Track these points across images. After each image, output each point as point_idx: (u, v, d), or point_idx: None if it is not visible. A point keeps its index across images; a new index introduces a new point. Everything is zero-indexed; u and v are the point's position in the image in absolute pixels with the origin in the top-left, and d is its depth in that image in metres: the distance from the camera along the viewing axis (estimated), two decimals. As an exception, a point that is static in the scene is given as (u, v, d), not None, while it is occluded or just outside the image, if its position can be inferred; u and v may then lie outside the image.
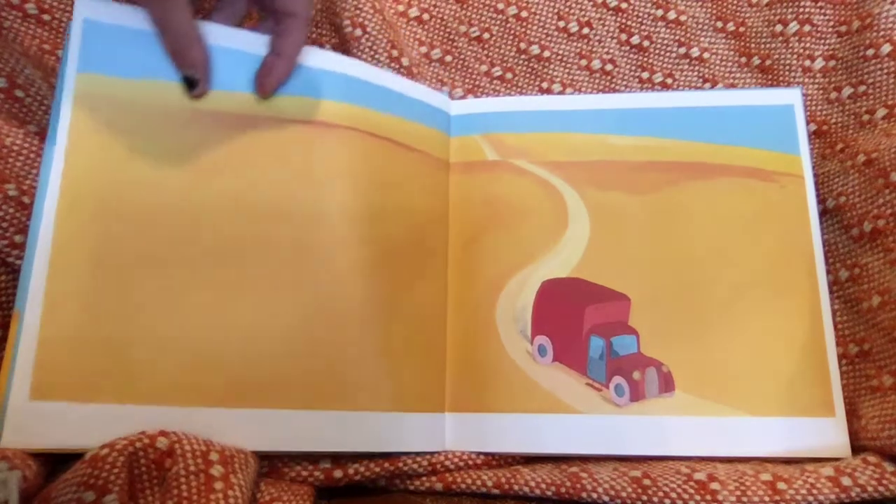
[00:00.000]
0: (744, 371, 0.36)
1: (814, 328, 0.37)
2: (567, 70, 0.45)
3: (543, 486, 0.33)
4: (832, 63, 0.42)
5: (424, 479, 0.35)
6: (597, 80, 0.45)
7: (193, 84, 0.35)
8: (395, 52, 0.42)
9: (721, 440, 0.35)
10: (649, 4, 0.46)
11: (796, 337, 0.36)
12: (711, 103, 0.41)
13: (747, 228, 0.38)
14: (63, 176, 0.32)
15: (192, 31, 0.35)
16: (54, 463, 0.31)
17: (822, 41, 0.43)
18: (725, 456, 0.35)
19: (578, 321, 0.37)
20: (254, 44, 0.36)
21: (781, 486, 0.32)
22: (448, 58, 0.44)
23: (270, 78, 0.36)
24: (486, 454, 0.36)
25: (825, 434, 0.35)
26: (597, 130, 0.41)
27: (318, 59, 0.38)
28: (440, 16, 0.46)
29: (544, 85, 0.45)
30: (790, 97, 0.41)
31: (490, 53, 0.45)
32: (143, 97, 0.34)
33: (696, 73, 0.45)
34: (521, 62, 0.45)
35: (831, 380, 0.36)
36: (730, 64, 0.45)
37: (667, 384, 0.36)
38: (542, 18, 0.46)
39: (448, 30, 0.46)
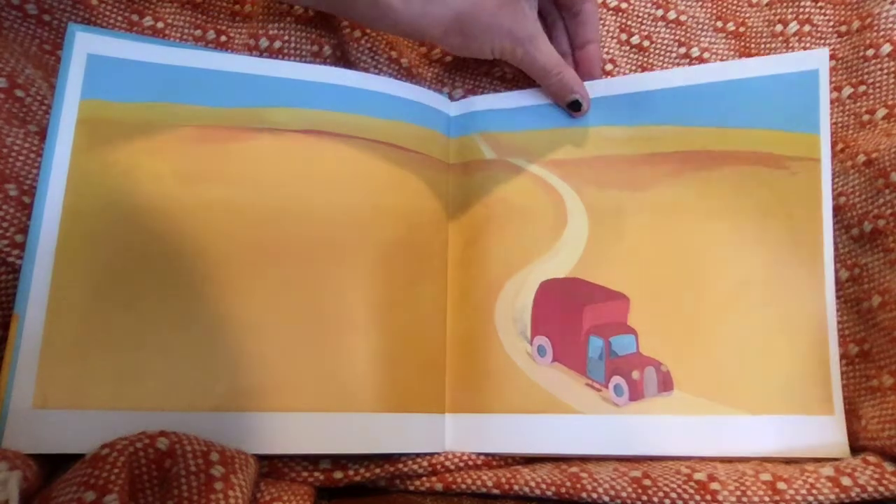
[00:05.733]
0: (743, 370, 0.36)
1: (818, 326, 0.35)
2: (567, 70, 0.45)
3: (543, 486, 0.33)
4: (832, 63, 0.42)
5: (424, 479, 0.35)
6: (597, 80, 0.45)
7: (578, 106, 0.39)
8: (394, 54, 0.42)
9: (720, 439, 0.35)
10: (649, 4, 0.46)
11: (797, 336, 0.36)
12: (714, 78, 0.38)
13: (751, 223, 0.37)
14: (66, 189, 0.34)
15: (557, 59, 0.39)
16: (54, 463, 0.31)
17: (822, 41, 0.43)
18: (725, 455, 0.35)
19: (577, 321, 0.37)
20: (243, 64, 0.38)
21: (781, 486, 0.32)
22: (448, 58, 0.44)
23: (595, 69, 0.41)
24: (486, 455, 0.36)
25: (824, 432, 0.34)
26: (592, 123, 0.40)
27: (315, 73, 0.39)
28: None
29: (544, 85, 0.45)
30: (815, 61, 0.36)
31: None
32: (144, 116, 0.36)
33: (696, 73, 0.45)
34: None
35: (831, 377, 0.35)
36: (730, 64, 0.45)
37: (666, 384, 0.36)
38: (543, 18, 0.46)
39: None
